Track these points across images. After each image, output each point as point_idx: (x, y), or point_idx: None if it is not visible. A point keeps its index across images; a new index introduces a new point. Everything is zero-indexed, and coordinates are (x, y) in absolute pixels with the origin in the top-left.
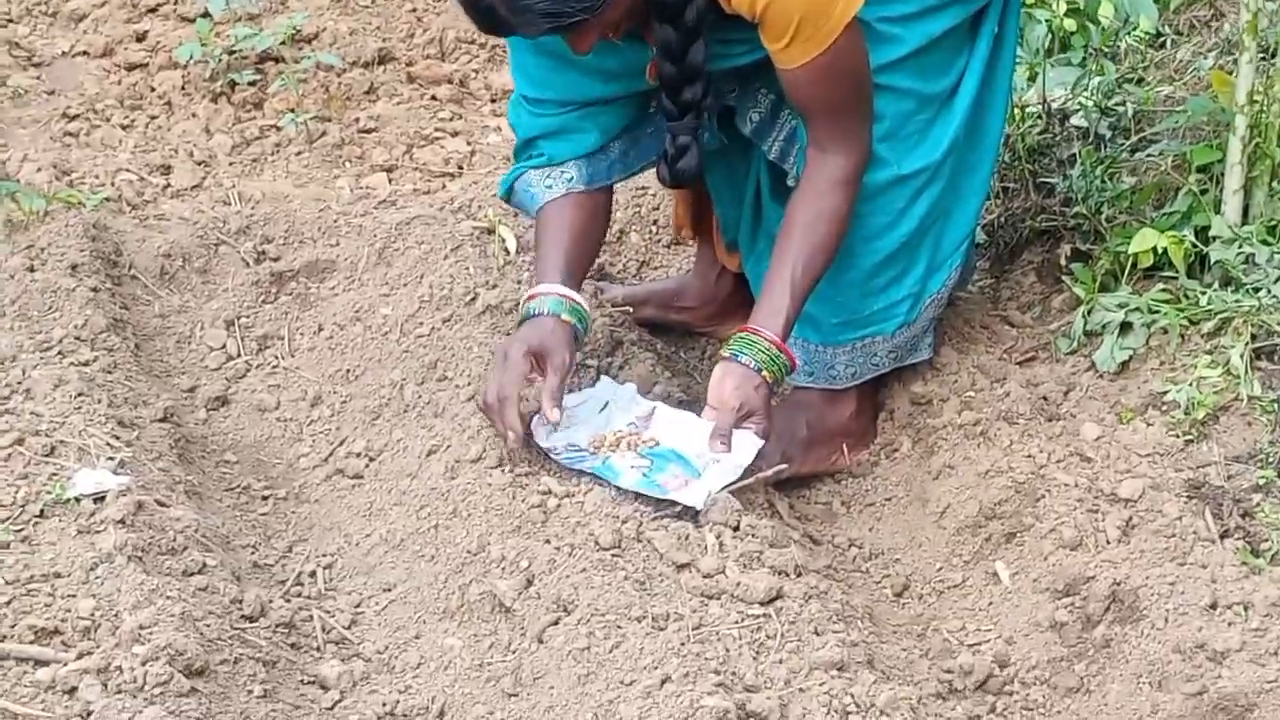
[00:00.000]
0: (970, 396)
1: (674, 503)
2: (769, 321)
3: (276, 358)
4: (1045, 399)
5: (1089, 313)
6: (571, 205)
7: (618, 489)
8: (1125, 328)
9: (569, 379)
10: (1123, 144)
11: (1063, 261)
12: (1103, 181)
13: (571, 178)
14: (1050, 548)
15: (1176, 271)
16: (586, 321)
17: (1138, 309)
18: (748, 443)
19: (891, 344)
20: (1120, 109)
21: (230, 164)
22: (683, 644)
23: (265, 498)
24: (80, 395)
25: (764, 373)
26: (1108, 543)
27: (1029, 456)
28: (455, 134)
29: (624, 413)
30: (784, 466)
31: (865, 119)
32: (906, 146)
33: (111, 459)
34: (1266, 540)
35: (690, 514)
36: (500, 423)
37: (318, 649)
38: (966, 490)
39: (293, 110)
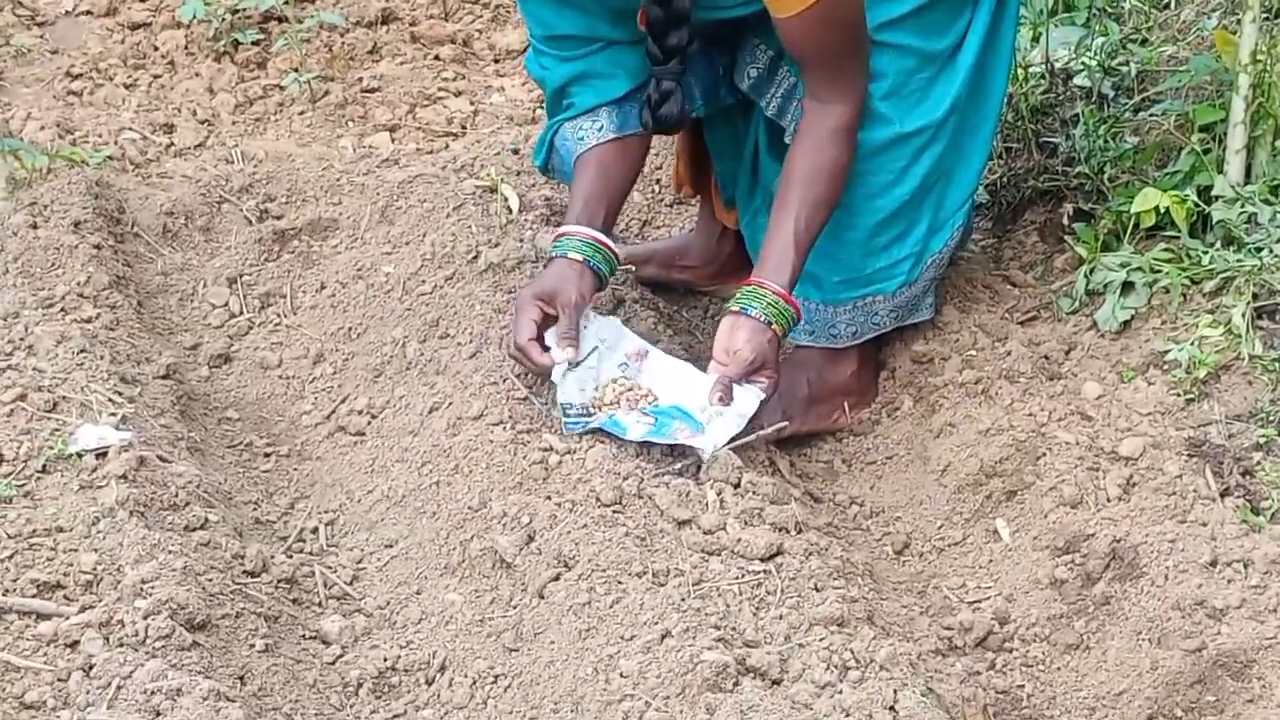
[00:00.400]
0: (972, 355)
1: (684, 449)
2: (774, 275)
3: (279, 315)
4: (1047, 358)
5: (1091, 272)
6: (600, 153)
7: (625, 441)
8: (1127, 287)
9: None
10: (1126, 104)
11: (1065, 221)
12: (1105, 141)
13: (602, 127)
14: (1051, 505)
15: (1179, 231)
16: (603, 253)
17: (1140, 268)
18: (750, 395)
19: (893, 303)
20: (1123, 69)
21: (233, 123)
22: (683, 599)
23: (267, 454)
24: (83, 351)
25: (773, 325)
26: (1108, 500)
27: (1030, 415)
28: (458, 94)
29: (612, 353)
30: (785, 424)
31: (862, 68)
32: (908, 104)
33: (114, 415)
34: (1266, 498)
35: (691, 470)
36: (532, 367)
37: (319, 604)
38: (967, 448)
39: (296, 69)
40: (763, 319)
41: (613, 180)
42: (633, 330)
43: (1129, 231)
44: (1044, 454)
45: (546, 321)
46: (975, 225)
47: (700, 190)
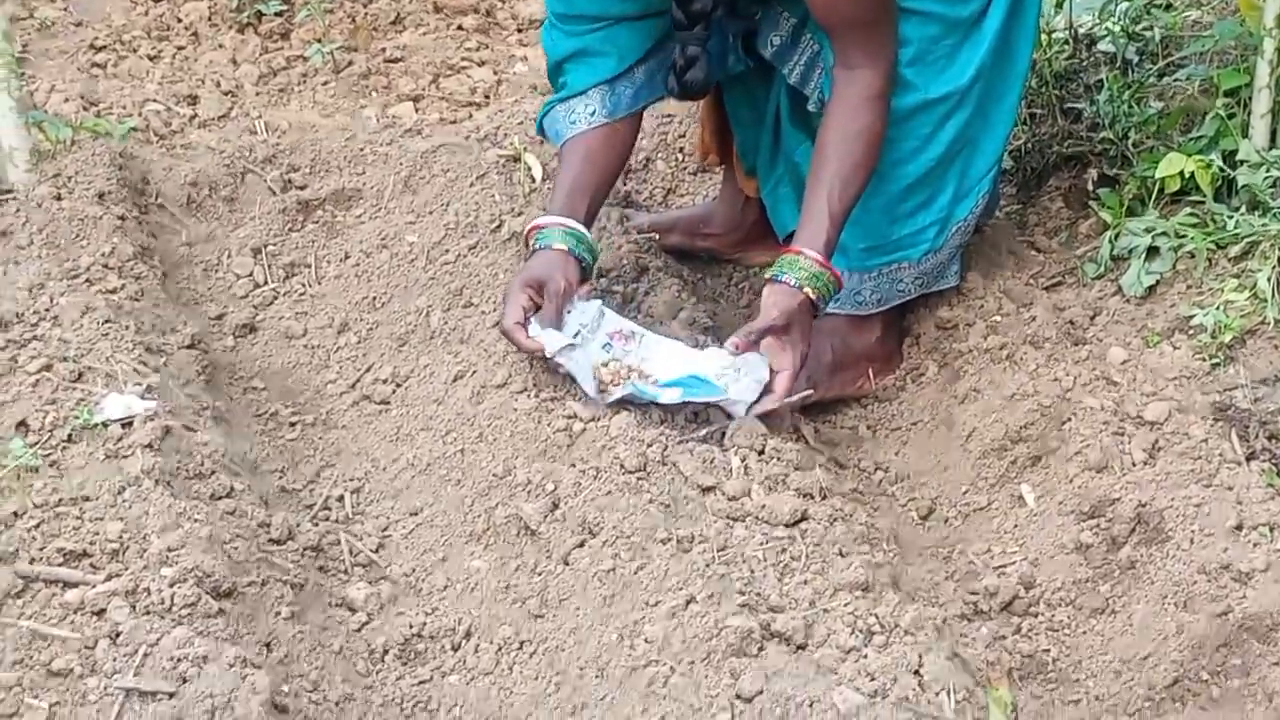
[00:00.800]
0: (996, 321)
1: (709, 415)
2: (811, 241)
3: (303, 285)
4: (1072, 323)
5: (1116, 237)
6: (589, 139)
7: (661, 405)
8: (1152, 252)
9: (569, 299)
10: (1150, 69)
11: (1090, 187)
12: (1130, 106)
13: (594, 110)
14: (1076, 470)
15: (1203, 196)
16: (587, 243)
17: (1164, 233)
18: (761, 363)
19: (917, 270)
20: (1147, 34)
21: (257, 94)
22: (708, 565)
23: (293, 423)
24: (108, 322)
25: (806, 289)
26: (1133, 465)
27: (1055, 380)
28: (481, 63)
29: (594, 335)
30: (810, 391)
31: (891, 33)
32: (934, 71)
33: (139, 384)
34: None
35: (716, 437)
36: (520, 349)
37: (345, 572)
38: (992, 414)
39: (319, 40)
40: (793, 283)
41: (598, 171)
42: (656, 298)
43: (1154, 196)
44: (1069, 419)
45: (535, 308)
46: (1001, 191)
47: (724, 159)
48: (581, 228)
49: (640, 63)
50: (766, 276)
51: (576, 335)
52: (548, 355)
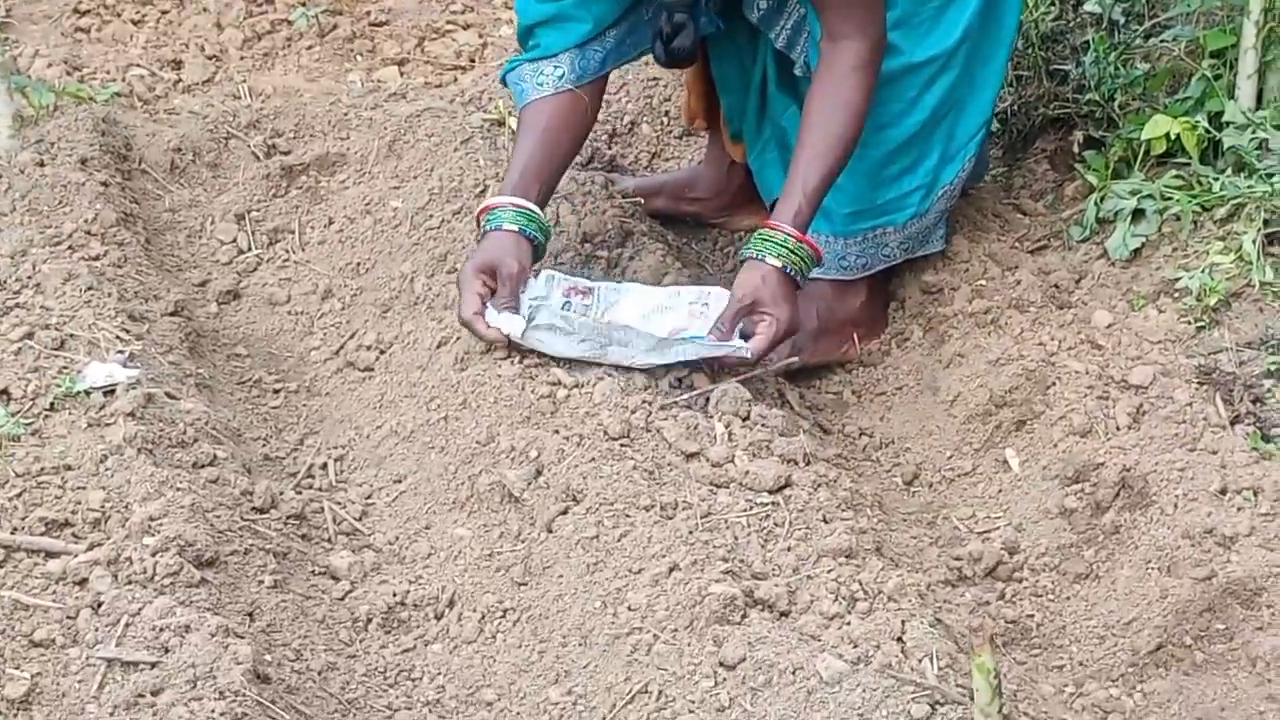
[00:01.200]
0: (982, 285)
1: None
2: (789, 216)
3: (287, 251)
4: (1057, 287)
5: (1101, 200)
6: (551, 107)
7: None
8: (1138, 215)
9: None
10: (1136, 30)
11: (1075, 149)
12: (1116, 68)
13: (562, 74)
14: (1060, 435)
15: (1189, 158)
16: (537, 222)
17: (1150, 196)
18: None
19: (903, 235)
20: None
21: (241, 58)
22: (691, 532)
23: (276, 391)
24: (90, 289)
25: (769, 260)
26: (1118, 429)
27: (1040, 344)
28: (467, 27)
29: (548, 303)
30: (794, 359)
31: (877, 4)
32: (919, 33)
33: (121, 352)
34: (1277, 426)
35: (700, 403)
36: (481, 338)
37: (328, 540)
38: (977, 378)
39: (303, 4)
40: (765, 260)
41: (556, 145)
42: (641, 263)
43: (1139, 159)
44: (1054, 383)
45: (491, 293)
46: (989, 155)
47: (710, 123)
48: (533, 207)
49: (612, 27)
50: (740, 255)
51: (534, 310)
52: (513, 340)
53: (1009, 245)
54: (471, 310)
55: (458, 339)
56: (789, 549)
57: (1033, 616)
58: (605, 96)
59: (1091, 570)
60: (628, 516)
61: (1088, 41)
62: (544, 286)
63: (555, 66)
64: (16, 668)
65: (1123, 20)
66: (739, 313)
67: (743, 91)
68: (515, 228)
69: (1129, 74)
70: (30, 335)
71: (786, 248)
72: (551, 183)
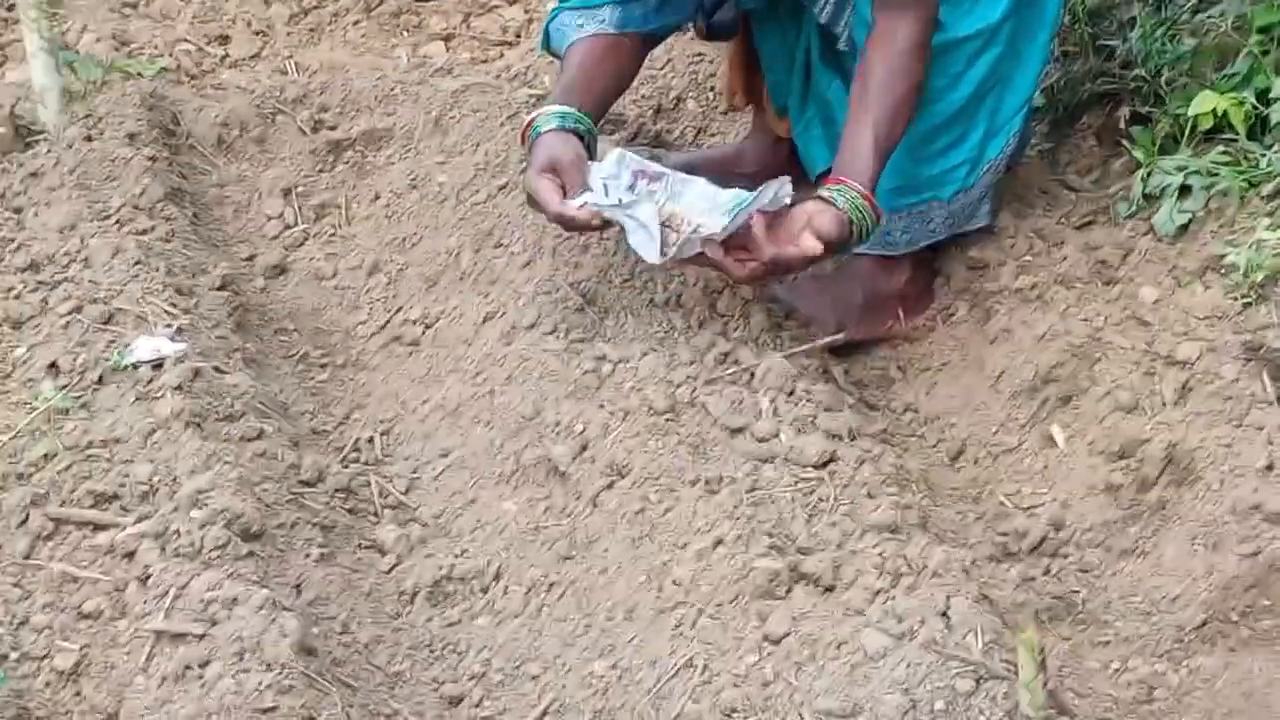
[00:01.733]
0: (1027, 261)
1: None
2: (857, 175)
3: (333, 226)
4: (1103, 263)
5: (1148, 176)
6: (596, 44)
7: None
8: (1184, 191)
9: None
10: (1183, 5)
11: (1122, 125)
12: (1163, 44)
13: (604, 19)
14: (1106, 411)
15: (1236, 134)
16: (573, 114)
17: (1197, 172)
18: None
19: (948, 210)
20: None
21: (288, 34)
22: (736, 507)
23: (323, 365)
24: (138, 264)
25: (839, 205)
26: (1164, 405)
27: (1085, 320)
28: (513, 2)
29: (619, 179)
30: (840, 335)
31: None
32: (964, 9)
33: (169, 326)
34: None
35: (745, 378)
36: (581, 227)
37: (375, 514)
38: (1022, 354)
39: None
40: (828, 199)
41: (599, 76)
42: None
43: (1186, 135)
44: (1100, 359)
45: (562, 189)
46: (1033, 129)
47: (752, 99)
48: (569, 107)
49: None
50: (819, 193)
51: (606, 190)
52: (608, 216)
53: (1055, 221)
54: (557, 202)
55: (503, 314)
56: (834, 524)
57: (1078, 592)
58: (650, 71)
59: (1137, 546)
60: (673, 491)
61: (1134, 17)
62: (614, 165)
63: (596, 14)
64: (66, 640)
65: None
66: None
67: (787, 67)
68: (555, 125)
69: (1176, 49)
70: (79, 309)
71: (857, 206)
72: (592, 101)
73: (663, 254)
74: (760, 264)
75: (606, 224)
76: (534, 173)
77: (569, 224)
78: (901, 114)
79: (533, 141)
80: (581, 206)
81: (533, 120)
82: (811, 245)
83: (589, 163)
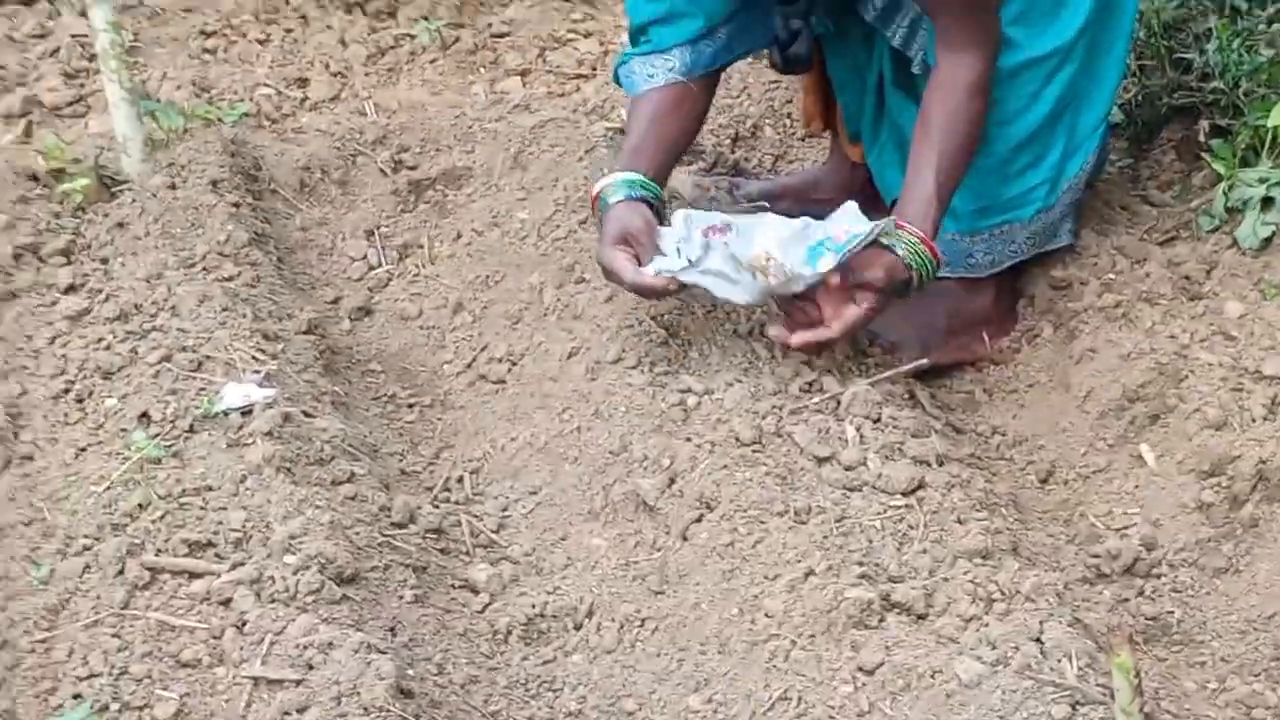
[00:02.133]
0: (1111, 279)
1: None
2: (917, 220)
3: (417, 266)
4: (1187, 278)
5: (1230, 189)
6: (660, 96)
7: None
8: (1267, 203)
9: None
10: (1260, 15)
11: (1201, 138)
12: (1240, 55)
13: (673, 66)
14: (1195, 428)
15: None
16: (639, 182)
17: (1279, 184)
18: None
19: (1029, 230)
20: None
21: (366, 74)
22: (825, 537)
23: (411, 405)
24: (225, 310)
25: (912, 269)
26: (1253, 421)
27: (1171, 337)
28: (588, 35)
29: (690, 240)
30: (924, 360)
31: (993, 17)
32: (1038, 28)
33: (258, 372)
34: None
35: (830, 406)
36: (660, 294)
37: (466, 553)
38: (1109, 373)
39: (426, 18)
40: (885, 245)
41: (665, 131)
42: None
43: (1267, 146)
44: (1186, 376)
45: (636, 260)
46: (1111, 146)
47: (828, 124)
48: (635, 174)
49: (724, 24)
50: (881, 241)
51: (679, 253)
52: (684, 280)
53: (1137, 238)
54: (633, 271)
55: (587, 349)
56: (924, 551)
57: (1172, 613)
58: (727, 100)
59: (1231, 564)
60: (762, 523)
61: (1210, 29)
62: (683, 227)
63: (666, 60)
64: (165, 688)
65: (1246, 6)
66: (866, 285)
67: (859, 91)
68: (622, 196)
69: (1254, 60)
70: (168, 358)
71: (916, 251)
72: (660, 161)
73: (759, 296)
74: (821, 339)
75: (683, 287)
76: (607, 245)
77: (647, 293)
78: (962, 156)
79: (603, 214)
80: (657, 274)
81: (600, 191)
82: (865, 306)
83: (659, 228)
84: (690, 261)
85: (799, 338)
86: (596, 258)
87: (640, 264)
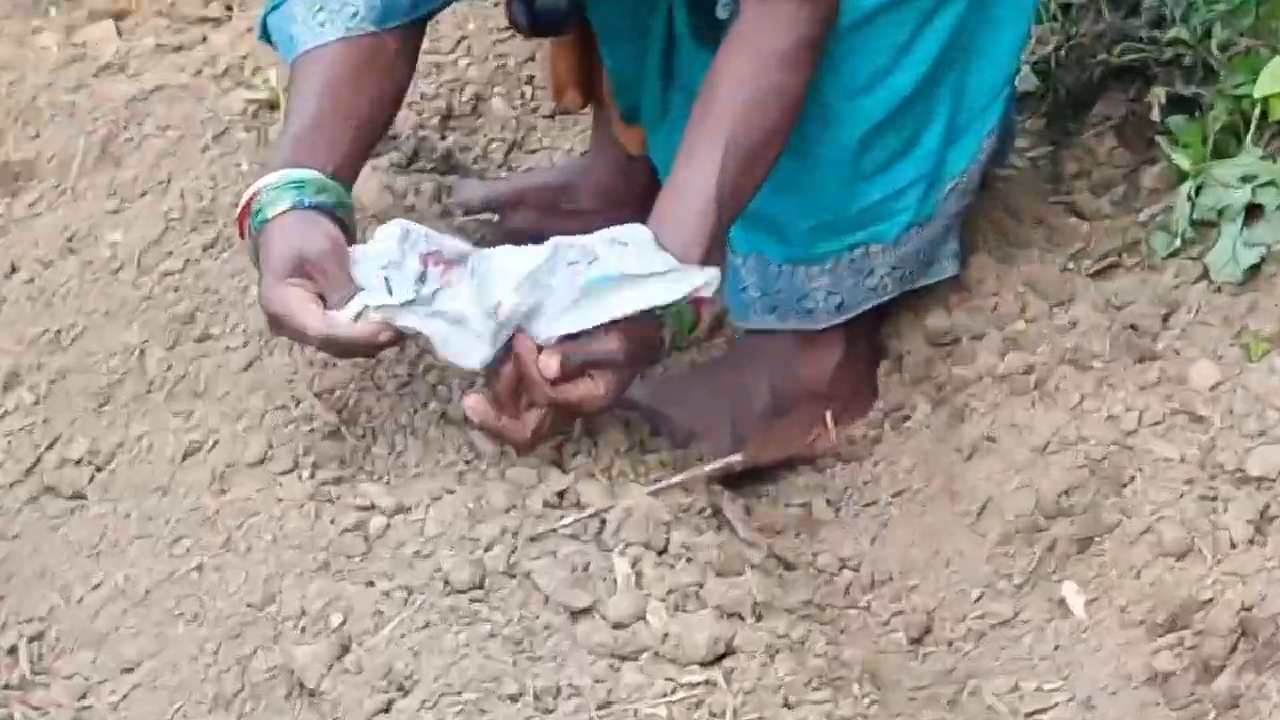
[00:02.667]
0: (1018, 330)
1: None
2: (679, 235)
3: None
4: (1134, 327)
5: (1197, 191)
6: (340, 54)
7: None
8: (1253, 212)
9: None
10: None
11: (1155, 114)
12: None
13: (357, 10)
14: (1145, 558)
15: None
16: (315, 182)
17: (1272, 183)
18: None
19: (895, 255)
20: None
21: None
22: None
23: None
24: None
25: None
26: (1232, 546)
27: (1111, 418)
28: None
29: (402, 268)
30: (736, 457)
31: None
32: None
33: None
34: None
35: (592, 528)
36: (367, 347)
37: None
38: (1016, 475)
39: None
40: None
41: (350, 107)
42: None
43: (1253, 126)
44: (1132, 478)
45: (318, 296)
46: (1018, 126)
47: (592, 96)
48: (308, 171)
49: None
50: None
51: (389, 286)
52: (402, 326)
53: (1059, 266)
54: (318, 319)
55: (215, 444)
56: None
57: None
58: (435, 58)
59: None
60: (484, 712)
61: None
62: (395, 246)
63: (346, 3)
64: None
65: None
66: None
67: (637, 53)
68: (290, 204)
69: (1231, 1)
70: None
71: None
72: (344, 152)
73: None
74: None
75: (403, 336)
76: (272, 282)
77: (346, 348)
78: (765, 150)
79: (257, 234)
80: (358, 317)
81: (254, 199)
82: (588, 388)
83: (353, 248)
84: (414, 296)
85: (491, 419)
86: (259, 299)
87: (327, 305)
